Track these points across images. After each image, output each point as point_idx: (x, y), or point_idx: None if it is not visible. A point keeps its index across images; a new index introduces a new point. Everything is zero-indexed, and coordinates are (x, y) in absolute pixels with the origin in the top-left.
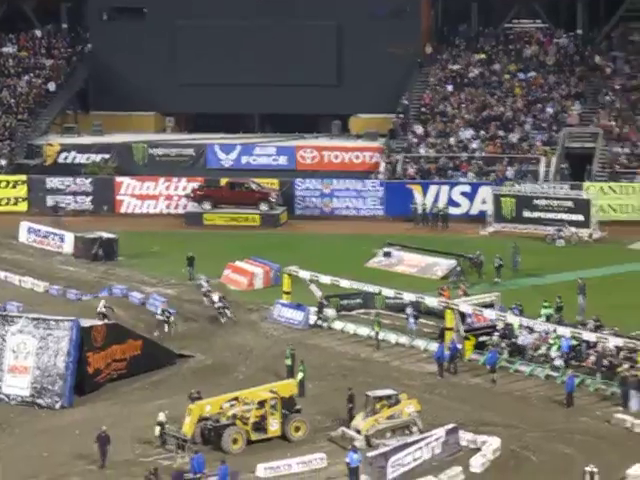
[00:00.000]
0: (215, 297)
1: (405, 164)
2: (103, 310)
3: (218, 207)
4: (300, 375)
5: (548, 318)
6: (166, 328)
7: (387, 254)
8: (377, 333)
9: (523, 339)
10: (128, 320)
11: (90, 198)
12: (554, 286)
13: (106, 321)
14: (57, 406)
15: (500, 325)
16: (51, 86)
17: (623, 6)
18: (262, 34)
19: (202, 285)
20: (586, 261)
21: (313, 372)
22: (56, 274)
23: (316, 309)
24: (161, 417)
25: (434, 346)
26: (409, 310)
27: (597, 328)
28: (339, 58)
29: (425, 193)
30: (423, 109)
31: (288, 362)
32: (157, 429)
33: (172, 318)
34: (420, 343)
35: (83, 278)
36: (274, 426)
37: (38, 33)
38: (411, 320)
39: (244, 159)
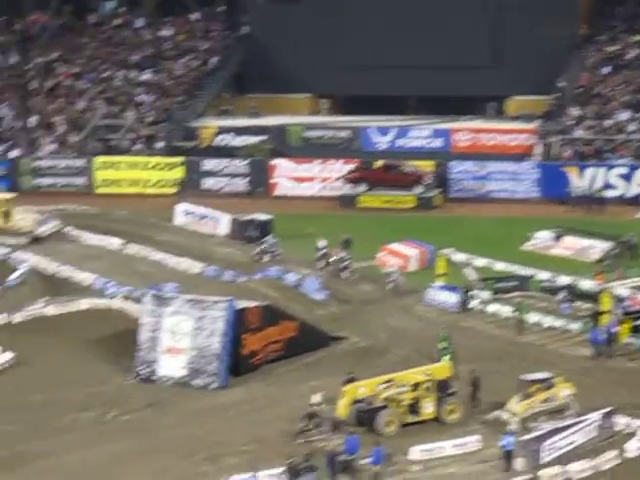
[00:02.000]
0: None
1: (561, 146)
2: None
3: (373, 189)
4: (447, 356)
5: None
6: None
7: (558, 237)
8: (521, 317)
9: None
10: (283, 302)
11: (245, 180)
12: None
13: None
14: (212, 387)
15: None
16: (211, 63)
17: None
18: (418, 17)
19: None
20: None
21: (467, 355)
22: (212, 256)
23: (469, 292)
24: (316, 398)
25: (589, 329)
26: (562, 294)
27: None
28: (495, 39)
29: (581, 175)
30: (579, 91)
31: (441, 345)
32: (312, 410)
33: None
34: (575, 326)
35: (238, 260)
36: (428, 409)
37: (195, 16)
38: (564, 304)
39: (399, 141)
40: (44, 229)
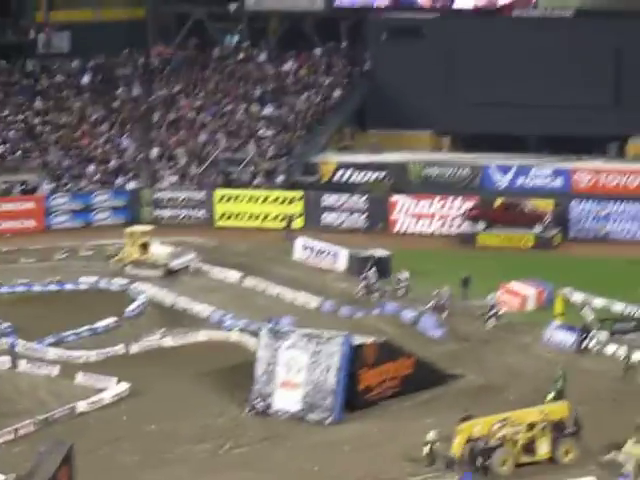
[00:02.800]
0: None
1: None
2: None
3: (492, 227)
4: (552, 394)
5: None
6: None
7: None
8: (628, 360)
9: None
10: (399, 338)
11: (365, 216)
12: None
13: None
14: (327, 422)
15: None
16: (333, 98)
17: None
18: (539, 55)
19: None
20: None
21: (582, 396)
22: (329, 291)
23: (584, 332)
24: (431, 435)
25: None
26: None
27: None
28: (617, 79)
29: None
30: None
31: (558, 384)
32: (426, 447)
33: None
34: None
35: (356, 295)
36: (544, 449)
37: (317, 51)
38: None
39: (519, 180)
40: (178, 262)
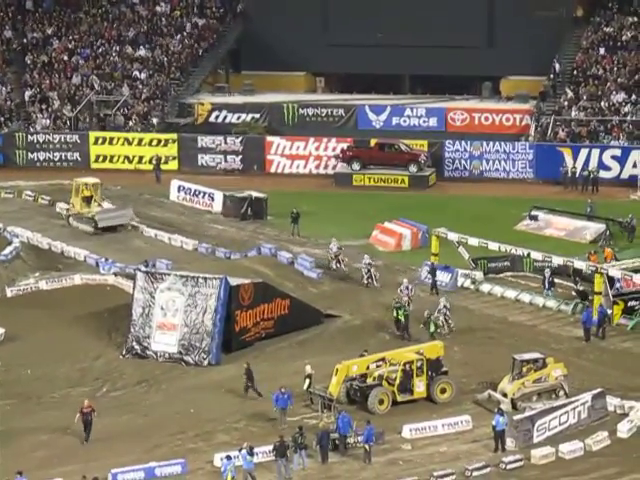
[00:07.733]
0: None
1: (556, 127)
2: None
3: (367, 168)
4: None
5: None
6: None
7: (533, 217)
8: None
9: None
10: (276, 279)
11: (240, 157)
12: None
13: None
14: (204, 363)
15: None
16: (207, 40)
17: None
18: None
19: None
20: None
21: (459, 334)
22: (205, 232)
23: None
24: (309, 370)
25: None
26: (546, 274)
27: None
28: (490, 20)
29: (575, 156)
30: (575, 72)
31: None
32: (306, 382)
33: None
34: (568, 307)
35: (232, 237)
36: (420, 387)
37: None
38: (546, 285)
39: (394, 120)
40: (107, 218)
